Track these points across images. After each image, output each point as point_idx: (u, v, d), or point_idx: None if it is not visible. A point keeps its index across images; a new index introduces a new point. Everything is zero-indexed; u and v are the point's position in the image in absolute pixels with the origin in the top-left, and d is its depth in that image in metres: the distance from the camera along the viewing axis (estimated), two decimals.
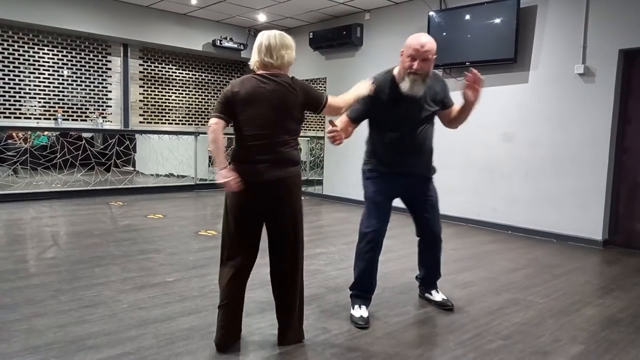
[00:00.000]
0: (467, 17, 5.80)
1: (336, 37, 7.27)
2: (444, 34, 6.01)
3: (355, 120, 2.79)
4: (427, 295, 3.16)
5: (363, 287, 2.86)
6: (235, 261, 2.34)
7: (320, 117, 8.09)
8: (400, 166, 2.81)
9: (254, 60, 2.32)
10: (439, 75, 2.96)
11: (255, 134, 2.25)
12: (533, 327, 2.79)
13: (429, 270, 3.13)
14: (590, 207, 4.99)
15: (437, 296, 3.11)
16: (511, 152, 5.61)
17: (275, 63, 2.28)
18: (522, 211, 5.51)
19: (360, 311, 2.79)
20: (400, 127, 2.74)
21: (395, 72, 2.75)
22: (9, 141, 8.76)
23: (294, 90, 2.27)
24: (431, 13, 6.11)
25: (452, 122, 2.94)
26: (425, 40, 2.61)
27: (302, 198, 2.45)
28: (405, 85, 2.64)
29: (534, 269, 4.08)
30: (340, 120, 2.72)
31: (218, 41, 8.36)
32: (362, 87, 2.61)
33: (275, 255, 2.41)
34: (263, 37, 2.30)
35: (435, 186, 2.98)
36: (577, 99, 5.07)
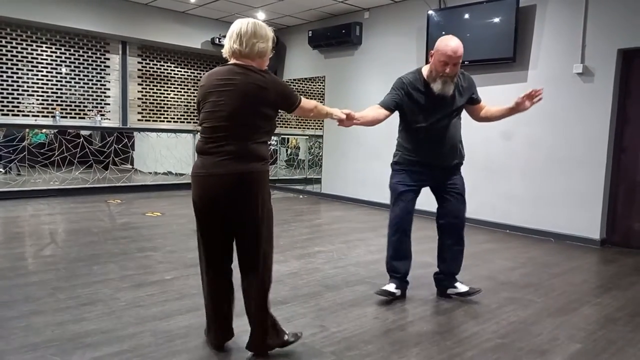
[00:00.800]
0: (466, 16, 5.80)
1: (335, 36, 7.26)
2: (443, 33, 5.92)
3: (386, 108, 3.03)
4: (450, 290, 3.19)
5: (391, 268, 3.16)
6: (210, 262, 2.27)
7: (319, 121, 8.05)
8: (430, 157, 3.05)
9: (225, 48, 2.19)
10: (466, 73, 3.11)
11: (216, 125, 2.10)
12: (531, 326, 2.80)
13: (451, 261, 3.17)
14: (588, 206, 5.00)
15: (462, 287, 3.16)
16: (510, 151, 5.62)
17: (243, 51, 2.12)
18: (521, 210, 5.52)
19: (386, 286, 3.11)
20: (431, 122, 2.99)
21: (424, 71, 3.04)
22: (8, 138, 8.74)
23: (265, 86, 2.10)
24: (430, 12, 6.11)
25: (486, 119, 3.20)
26: (456, 46, 2.86)
27: (271, 196, 2.26)
28: (437, 87, 2.92)
29: (532, 268, 4.09)
30: (371, 107, 3.02)
31: (217, 39, 8.35)
32: (336, 110, 2.59)
33: (239, 256, 2.26)
34: (235, 24, 2.17)
35: (463, 177, 3.17)
36: (575, 99, 5.08)
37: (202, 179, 2.13)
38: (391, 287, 3.10)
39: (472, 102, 3.14)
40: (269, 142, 2.25)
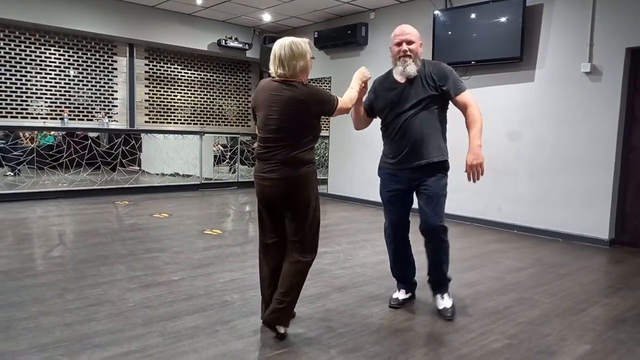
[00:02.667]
0: (473, 15, 5.78)
1: (341, 37, 7.26)
2: (450, 32, 6.00)
3: (367, 112, 3.04)
4: (433, 299, 3.01)
5: (394, 274, 3.14)
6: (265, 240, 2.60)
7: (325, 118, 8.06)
8: (398, 156, 2.90)
9: (271, 70, 2.45)
10: (440, 63, 2.95)
11: (267, 136, 2.42)
12: (539, 327, 2.78)
13: (430, 270, 2.96)
14: (597, 206, 4.96)
15: (439, 302, 2.93)
16: (517, 151, 5.59)
17: (287, 73, 2.40)
18: (528, 210, 5.49)
19: (396, 294, 3.08)
20: (395, 115, 2.87)
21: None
22: (17, 140, 8.83)
23: (305, 99, 2.38)
24: (436, 12, 6.09)
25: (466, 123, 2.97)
26: (402, 26, 2.88)
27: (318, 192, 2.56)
28: (398, 69, 2.84)
29: (540, 268, 4.06)
30: (356, 111, 3.01)
31: (223, 41, 8.38)
32: (359, 73, 2.77)
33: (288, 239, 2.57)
34: (276, 48, 2.42)
35: (442, 177, 2.92)
36: (583, 98, 5.04)
37: (259, 181, 2.49)
38: (401, 294, 3.08)
39: (446, 96, 2.85)
40: (314, 146, 2.53)
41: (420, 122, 2.82)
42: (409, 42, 2.82)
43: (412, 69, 2.80)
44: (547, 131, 5.33)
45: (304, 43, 2.45)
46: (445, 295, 2.95)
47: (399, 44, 2.83)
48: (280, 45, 2.41)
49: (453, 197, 6.03)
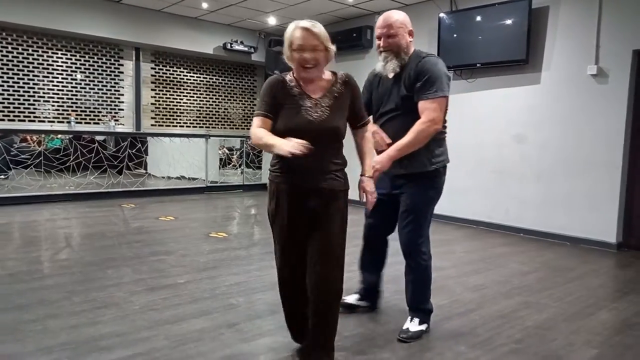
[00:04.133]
0: (478, 18, 5.77)
1: (346, 40, 7.26)
2: (455, 35, 5.99)
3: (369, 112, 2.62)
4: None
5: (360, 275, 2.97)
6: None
7: None
8: None
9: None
10: (429, 61, 2.49)
11: None
12: (546, 331, 2.76)
13: (405, 289, 2.71)
14: (604, 209, 4.93)
15: (406, 322, 2.65)
16: (523, 153, 5.57)
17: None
18: (534, 213, 5.46)
19: (348, 297, 2.92)
20: (379, 113, 2.61)
21: None
22: (23, 144, 8.90)
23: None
24: (442, 14, 6.09)
25: None
26: (383, 17, 2.54)
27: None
28: (379, 65, 2.56)
29: (547, 272, 4.04)
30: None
31: (229, 44, 8.41)
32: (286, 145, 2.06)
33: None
34: (289, 30, 2.13)
35: (427, 188, 2.56)
36: (590, 100, 5.02)
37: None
38: (352, 297, 2.92)
39: (414, 94, 2.47)
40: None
41: (400, 125, 2.47)
42: (389, 36, 2.49)
43: (392, 65, 2.49)
44: (553, 134, 5.30)
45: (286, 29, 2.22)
46: (416, 320, 2.62)
47: (378, 37, 2.55)
48: (294, 28, 2.17)
49: (458, 200, 6.07)
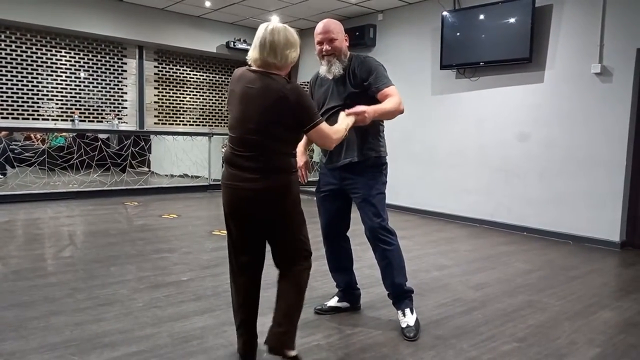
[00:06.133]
0: (481, 16, 5.76)
1: (349, 38, 7.25)
2: (458, 34, 5.98)
3: None
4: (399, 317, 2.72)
5: (333, 279, 2.99)
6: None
7: None
8: (327, 155, 2.76)
9: (253, 57, 2.06)
10: (367, 58, 2.72)
11: (241, 137, 2.07)
12: (549, 330, 2.76)
13: (384, 282, 2.75)
14: (607, 208, 4.92)
15: (401, 320, 2.67)
16: (526, 152, 5.56)
17: (279, 63, 2.05)
18: (538, 212, 5.45)
19: (330, 301, 2.96)
20: (323, 111, 2.69)
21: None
22: (27, 142, 8.92)
23: (289, 96, 2.00)
24: (445, 13, 6.07)
25: None
26: (322, 24, 2.68)
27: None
28: (323, 69, 2.69)
29: (550, 270, 4.03)
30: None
31: (232, 43, 8.42)
32: (347, 117, 2.33)
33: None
34: (267, 32, 2.03)
35: (375, 175, 2.69)
36: (593, 99, 5.00)
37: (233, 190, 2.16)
38: (332, 301, 2.94)
39: (369, 90, 2.62)
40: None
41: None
42: (331, 40, 2.64)
43: (337, 68, 2.65)
44: (557, 132, 5.29)
45: (295, 33, 2.13)
46: (407, 311, 2.67)
47: (320, 43, 2.67)
48: (273, 29, 2.03)
49: (461, 199, 6.06)
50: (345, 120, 2.32)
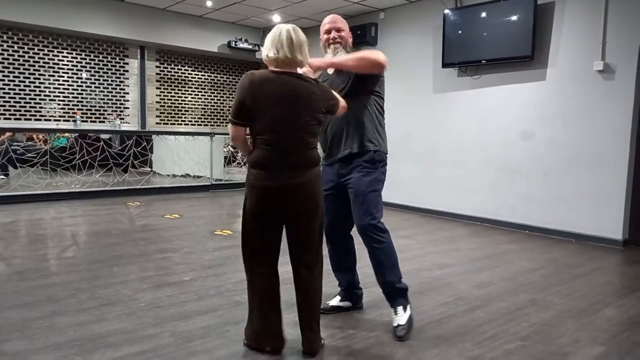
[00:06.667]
0: (483, 14, 5.74)
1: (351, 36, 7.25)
2: (460, 32, 5.96)
3: None
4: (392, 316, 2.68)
5: (336, 278, 2.96)
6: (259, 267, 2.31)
7: None
8: (326, 150, 2.74)
9: (281, 57, 2.15)
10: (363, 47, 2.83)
11: (281, 137, 2.18)
12: (552, 328, 2.75)
13: (377, 279, 2.70)
14: (610, 206, 4.90)
15: (393, 319, 2.63)
16: (529, 150, 5.54)
17: (304, 60, 2.23)
18: (541, 210, 5.43)
19: (332, 300, 2.93)
20: None
21: None
22: (29, 143, 8.94)
23: (319, 94, 2.22)
24: (446, 11, 6.06)
25: None
26: (331, 16, 2.78)
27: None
28: (328, 57, 2.71)
29: (553, 269, 4.02)
30: None
31: (233, 42, 8.42)
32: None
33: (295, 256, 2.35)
34: (291, 32, 2.16)
35: (370, 171, 2.65)
36: (596, 96, 4.99)
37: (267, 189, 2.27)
38: (335, 300, 2.92)
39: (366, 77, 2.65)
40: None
41: (350, 110, 2.52)
42: (339, 30, 2.72)
43: (342, 57, 2.65)
44: (559, 130, 5.27)
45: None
46: (400, 309, 2.62)
47: (328, 31, 2.73)
48: (295, 29, 2.19)
49: (464, 197, 6.05)
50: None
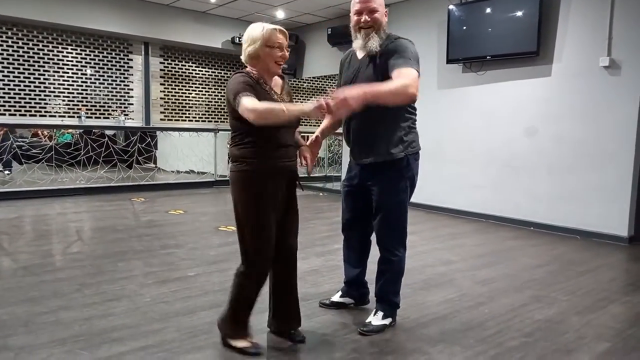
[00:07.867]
0: (488, 10, 5.71)
1: None
2: (465, 27, 5.93)
3: None
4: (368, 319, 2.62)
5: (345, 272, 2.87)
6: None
7: None
8: (350, 148, 2.56)
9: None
10: (402, 40, 2.41)
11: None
12: (557, 325, 2.74)
13: (375, 279, 2.63)
14: (616, 202, 4.88)
15: (369, 316, 2.61)
16: (534, 146, 5.52)
17: (244, 58, 2.24)
18: (545, 207, 5.41)
19: (334, 296, 2.89)
20: None
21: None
22: (34, 139, 8.98)
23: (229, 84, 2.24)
24: (451, 7, 6.03)
25: None
26: None
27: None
28: (358, 44, 2.41)
29: (557, 265, 4.01)
30: None
31: (237, 38, 8.40)
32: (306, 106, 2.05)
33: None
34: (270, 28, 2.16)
35: (396, 181, 2.46)
36: (602, 93, 4.95)
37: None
38: (336, 296, 2.87)
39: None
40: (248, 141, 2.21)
41: (369, 110, 2.15)
42: (372, 11, 2.35)
43: (374, 43, 2.35)
44: (565, 126, 5.25)
45: (257, 27, 2.16)
46: (380, 314, 2.56)
47: (359, 12, 2.37)
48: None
49: (468, 193, 6.04)
50: (299, 107, 2.06)
